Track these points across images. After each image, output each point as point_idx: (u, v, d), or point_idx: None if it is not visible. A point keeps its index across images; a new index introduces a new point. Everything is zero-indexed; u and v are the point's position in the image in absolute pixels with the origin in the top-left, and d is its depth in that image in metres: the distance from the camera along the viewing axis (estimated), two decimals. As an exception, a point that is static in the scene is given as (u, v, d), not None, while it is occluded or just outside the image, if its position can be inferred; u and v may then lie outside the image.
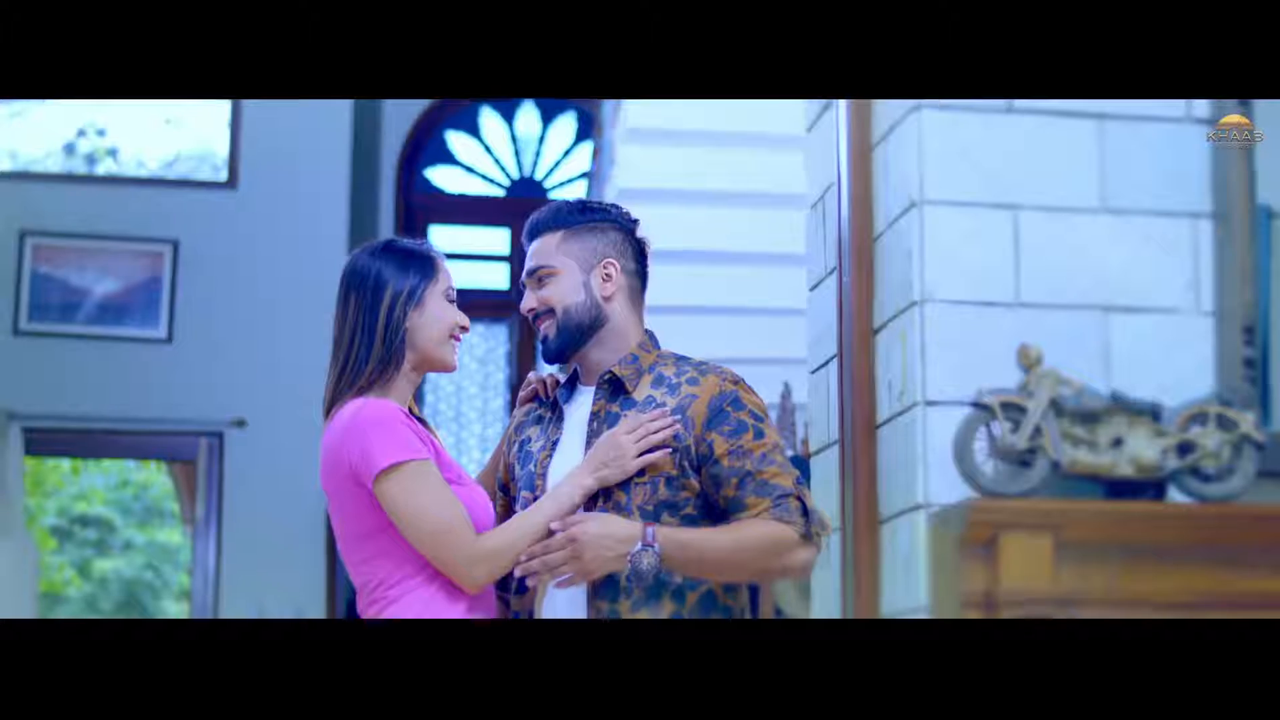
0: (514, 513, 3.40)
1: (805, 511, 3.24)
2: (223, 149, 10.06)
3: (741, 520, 3.22)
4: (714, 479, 3.27)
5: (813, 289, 3.95)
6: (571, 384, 3.50)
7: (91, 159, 10.53)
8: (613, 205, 3.51)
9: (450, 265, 3.49)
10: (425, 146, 11.08)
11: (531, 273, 3.44)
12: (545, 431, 3.47)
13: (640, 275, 3.49)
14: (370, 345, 3.33)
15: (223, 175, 10.04)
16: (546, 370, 3.67)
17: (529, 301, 3.43)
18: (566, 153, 11.27)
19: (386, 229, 10.66)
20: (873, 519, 3.42)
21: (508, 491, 3.51)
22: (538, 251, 3.44)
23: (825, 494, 3.80)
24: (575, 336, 3.41)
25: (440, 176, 11.19)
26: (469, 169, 11.19)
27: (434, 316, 3.37)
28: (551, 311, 3.40)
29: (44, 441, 9.74)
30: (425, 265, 3.39)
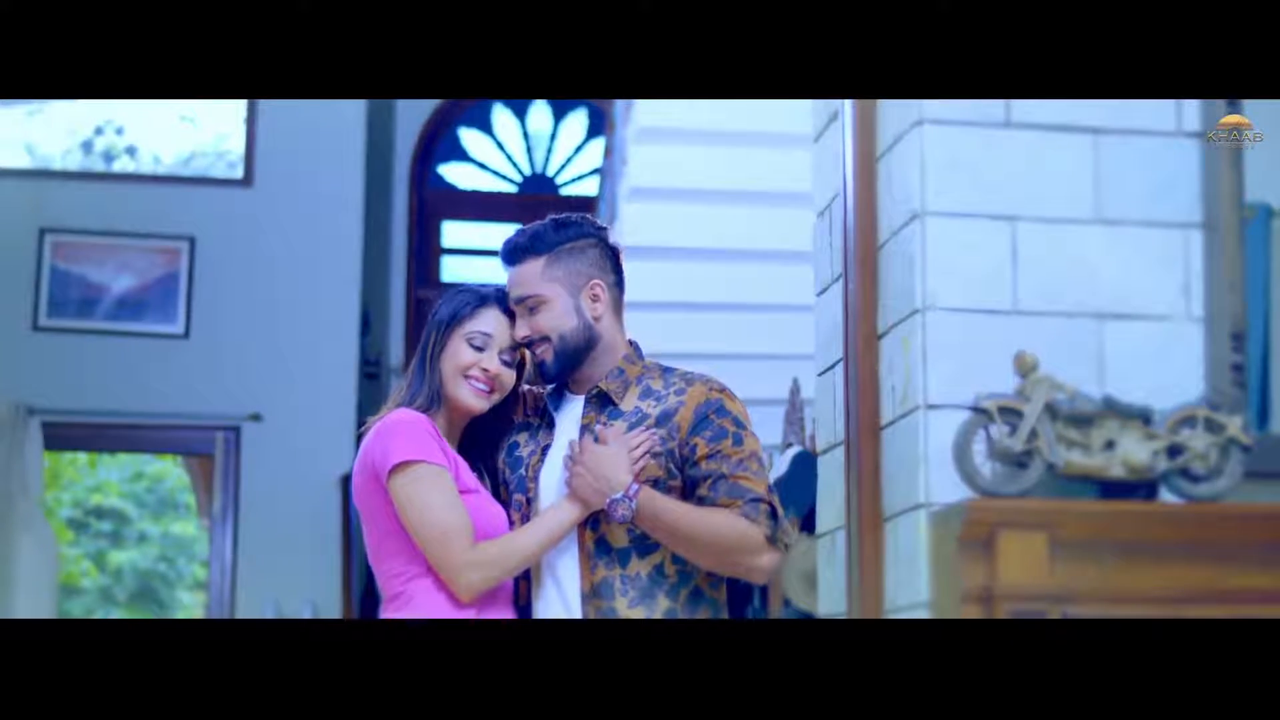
0: (508, 515, 3.50)
1: (774, 516, 3.36)
2: (238, 146, 10.14)
3: (718, 508, 3.35)
4: (691, 480, 3.40)
5: (820, 294, 4.01)
6: (560, 390, 3.58)
7: (109, 156, 10.69)
8: (582, 217, 3.57)
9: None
10: (438, 143, 11.15)
11: (520, 300, 3.51)
12: (535, 437, 3.55)
13: (620, 285, 3.58)
14: (419, 377, 3.51)
15: (238, 172, 10.12)
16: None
17: (522, 329, 3.48)
18: (578, 149, 11.30)
19: (400, 226, 10.79)
20: (876, 517, 3.50)
21: (498, 496, 3.57)
22: (523, 280, 3.49)
23: (832, 492, 3.87)
24: (573, 359, 3.50)
25: (453, 173, 11.24)
26: (481, 165, 11.24)
27: (448, 355, 3.49)
28: (547, 339, 3.49)
29: (62, 436, 9.81)
30: (459, 307, 3.52)
